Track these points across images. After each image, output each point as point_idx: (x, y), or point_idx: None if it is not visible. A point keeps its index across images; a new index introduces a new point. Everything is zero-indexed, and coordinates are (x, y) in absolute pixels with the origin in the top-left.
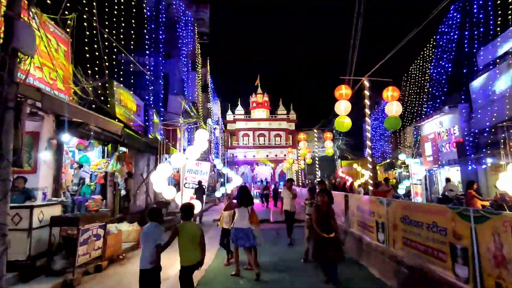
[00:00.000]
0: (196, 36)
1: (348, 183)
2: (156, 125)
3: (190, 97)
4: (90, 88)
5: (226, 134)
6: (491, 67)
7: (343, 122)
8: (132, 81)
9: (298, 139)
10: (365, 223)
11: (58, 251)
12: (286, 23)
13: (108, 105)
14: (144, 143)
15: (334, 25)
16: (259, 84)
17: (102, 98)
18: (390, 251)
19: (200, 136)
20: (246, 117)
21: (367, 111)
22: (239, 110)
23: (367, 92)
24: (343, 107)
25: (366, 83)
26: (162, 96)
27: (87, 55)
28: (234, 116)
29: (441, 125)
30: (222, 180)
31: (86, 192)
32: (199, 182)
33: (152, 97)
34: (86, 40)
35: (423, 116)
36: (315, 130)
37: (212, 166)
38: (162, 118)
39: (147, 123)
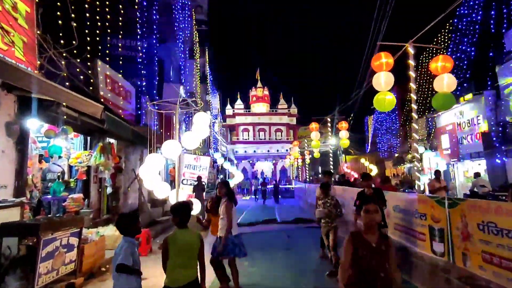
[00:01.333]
0: (194, 22)
1: (352, 179)
2: (150, 113)
3: (188, 87)
4: (63, 62)
5: (226, 129)
6: None
7: (385, 100)
8: (120, 62)
9: (310, 129)
10: (410, 228)
11: (14, 267)
12: (286, 13)
13: (91, 88)
14: (135, 133)
15: (338, 13)
16: (259, 78)
17: (82, 77)
18: (459, 270)
19: (199, 120)
20: (246, 111)
21: (413, 85)
22: (239, 104)
23: (412, 62)
24: (383, 80)
25: (411, 50)
26: (156, 83)
27: (60, 22)
28: (233, 111)
29: (461, 115)
30: (221, 176)
31: (57, 190)
32: (199, 178)
33: (145, 84)
34: (59, 5)
35: None
36: (329, 120)
37: (211, 161)
38: (157, 107)
39: (139, 112)
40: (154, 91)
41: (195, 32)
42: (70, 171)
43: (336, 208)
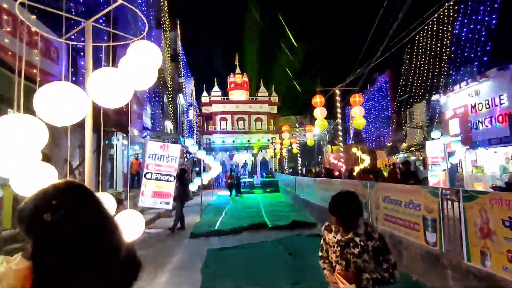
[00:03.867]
0: None
1: (342, 170)
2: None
3: None
4: None
5: (202, 118)
6: None
7: None
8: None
9: (313, 104)
10: None
11: None
12: None
13: None
14: None
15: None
16: (237, 64)
17: None
18: None
19: (139, 52)
20: (224, 99)
21: None
22: (216, 91)
23: None
24: None
25: None
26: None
27: None
28: (210, 98)
29: (476, 95)
30: (197, 169)
31: None
32: (182, 171)
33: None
34: None
35: (447, 87)
36: (338, 93)
37: (183, 151)
38: None
39: (74, 78)
40: (101, 55)
41: None
42: None
43: (378, 261)
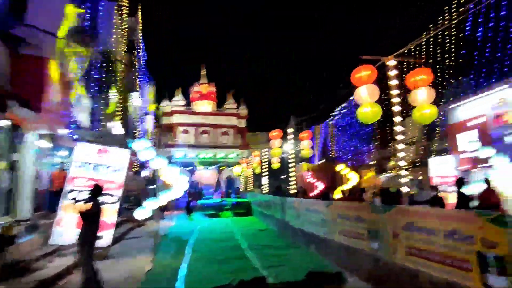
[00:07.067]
0: None
1: (318, 190)
2: None
3: (97, 35)
4: None
5: (160, 129)
6: None
7: None
8: None
9: (354, 81)
10: None
11: None
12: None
13: None
14: None
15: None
16: (205, 73)
17: None
18: None
19: None
20: (187, 109)
21: None
22: (179, 100)
23: None
24: None
25: None
26: None
27: None
28: (171, 108)
29: (502, 103)
30: (154, 186)
31: None
32: (95, 189)
33: None
34: None
35: (456, 96)
36: (392, 62)
37: (132, 162)
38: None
39: None
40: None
41: None
42: None
43: None
